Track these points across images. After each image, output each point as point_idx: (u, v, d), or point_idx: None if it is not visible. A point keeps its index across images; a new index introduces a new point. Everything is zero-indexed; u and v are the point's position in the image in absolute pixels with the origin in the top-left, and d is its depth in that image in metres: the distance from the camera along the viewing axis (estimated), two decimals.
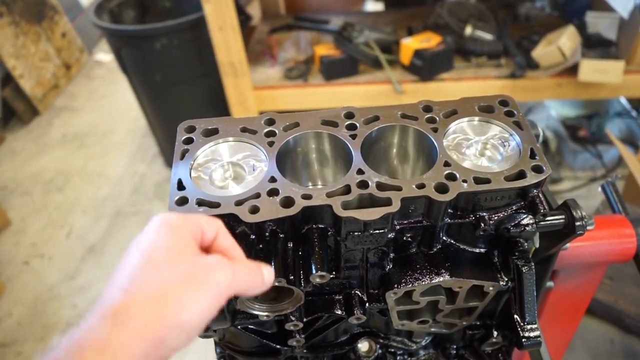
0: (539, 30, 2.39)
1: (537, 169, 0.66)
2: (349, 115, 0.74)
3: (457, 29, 2.36)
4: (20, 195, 2.98)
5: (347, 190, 0.65)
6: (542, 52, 2.16)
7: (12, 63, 3.39)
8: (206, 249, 0.55)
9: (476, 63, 2.31)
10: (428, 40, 2.26)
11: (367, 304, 0.75)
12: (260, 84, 2.35)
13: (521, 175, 0.66)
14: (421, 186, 0.64)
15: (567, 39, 2.11)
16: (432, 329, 0.82)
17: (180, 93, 2.59)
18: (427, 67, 2.21)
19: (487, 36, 2.35)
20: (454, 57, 2.30)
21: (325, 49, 2.36)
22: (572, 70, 2.15)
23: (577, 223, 0.71)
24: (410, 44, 2.25)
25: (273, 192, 0.64)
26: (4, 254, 2.61)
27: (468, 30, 2.36)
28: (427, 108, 0.75)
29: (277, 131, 0.72)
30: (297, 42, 2.62)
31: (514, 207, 0.69)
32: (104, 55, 4.27)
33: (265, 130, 0.72)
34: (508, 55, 2.33)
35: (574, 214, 0.71)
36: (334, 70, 2.32)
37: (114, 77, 3.88)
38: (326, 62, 2.30)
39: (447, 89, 2.26)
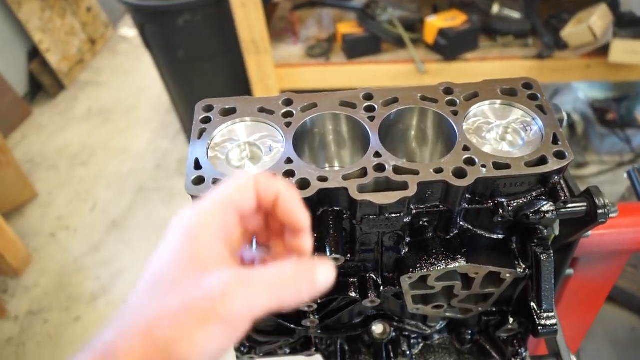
0: (569, 8, 2.32)
1: (560, 155, 0.64)
2: (368, 96, 0.73)
3: (483, 7, 2.30)
4: (47, 168, 3.04)
5: (363, 173, 0.64)
6: (572, 31, 2.10)
7: (38, 37, 3.43)
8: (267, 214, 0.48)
9: (502, 43, 2.26)
10: (453, 19, 2.21)
11: (381, 288, 0.75)
12: (282, 61, 2.34)
13: (542, 161, 0.64)
14: (439, 171, 0.63)
15: (598, 18, 2.04)
16: (447, 314, 0.81)
17: (202, 70, 2.59)
18: (451, 46, 2.17)
19: (515, 15, 2.29)
20: (479, 36, 2.25)
21: (348, 27, 2.33)
22: (603, 50, 2.09)
23: (600, 211, 0.69)
24: (434, 23, 2.21)
25: (289, 174, 0.64)
26: (31, 225, 2.68)
27: (495, 8, 2.29)
28: (448, 90, 0.73)
29: (294, 112, 0.71)
30: (319, 20, 2.59)
31: (534, 194, 0.67)
32: (129, 30, 4.28)
33: (283, 110, 0.72)
34: (536, 35, 2.26)
35: (597, 201, 0.69)
36: (357, 49, 2.29)
37: (138, 53, 3.90)
38: (349, 40, 2.28)
39: (471, 69, 2.22)
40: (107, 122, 3.38)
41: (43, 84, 3.60)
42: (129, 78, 3.81)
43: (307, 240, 0.49)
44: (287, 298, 0.41)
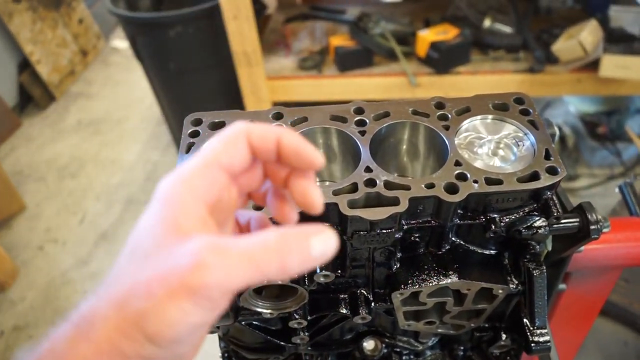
0: (560, 23, 2.34)
1: (552, 171, 0.64)
2: (359, 110, 0.72)
3: (475, 21, 2.32)
4: (35, 180, 3.01)
5: (354, 188, 0.63)
6: (563, 46, 2.11)
7: (29, 48, 3.41)
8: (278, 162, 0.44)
9: (494, 57, 2.27)
10: (445, 33, 2.22)
11: (372, 304, 0.74)
12: (274, 73, 2.34)
13: (535, 176, 0.64)
14: (430, 186, 0.62)
15: (588, 33, 2.06)
16: (439, 330, 0.80)
17: (194, 82, 2.59)
18: (443, 60, 2.18)
19: (506, 29, 2.31)
20: (471, 50, 2.26)
21: (341, 40, 2.34)
22: (593, 65, 2.10)
23: (592, 227, 0.69)
24: (426, 36, 2.22)
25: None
26: (19, 238, 2.64)
27: (487, 22, 2.31)
28: (440, 105, 0.73)
29: (284, 126, 0.71)
30: (312, 32, 2.60)
31: (527, 209, 0.66)
32: (121, 42, 4.28)
33: (274, 124, 0.71)
34: (527, 49, 2.28)
35: (589, 217, 0.69)
36: (349, 62, 2.30)
37: (129, 64, 3.89)
38: (341, 53, 2.28)
39: (463, 82, 2.23)
40: (98, 133, 3.36)
41: (33, 95, 3.57)
42: (120, 90, 3.79)
43: (313, 186, 0.45)
44: (269, 270, 0.35)
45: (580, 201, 0.70)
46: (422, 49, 2.25)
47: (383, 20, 2.31)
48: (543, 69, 2.18)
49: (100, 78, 3.92)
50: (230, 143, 0.40)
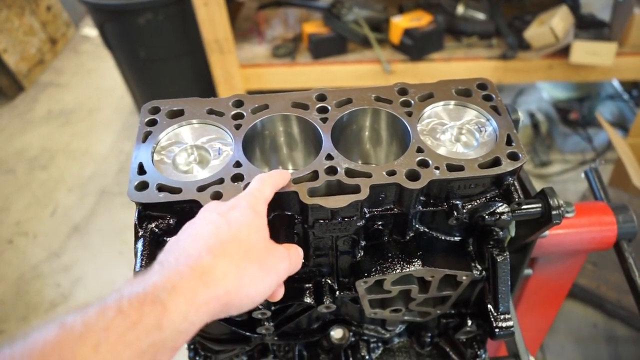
0: (532, 9, 2.35)
1: (513, 156, 0.64)
2: (321, 97, 0.71)
3: (449, 8, 2.32)
4: (4, 172, 2.93)
5: (314, 176, 0.62)
6: (534, 32, 2.12)
7: None
8: None
9: (467, 43, 2.27)
10: (419, 19, 2.22)
11: (337, 293, 0.73)
12: (247, 61, 2.31)
13: (496, 162, 0.63)
14: (392, 173, 0.62)
15: (559, 20, 2.07)
16: (406, 318, 0.80)
17: (165, 70, 2.54)
18: (417, 46, 2.17)
19: (479, 15, 2.31)
20: (444, 36, 2.26)
21: (314, 27, 2.31)
22: (564, 51, 2.12)
23: (554, 212, 0.69)
24: (400, 23, 2.21)
25: (237, 178, 0.62)
26: None
27: (460, 9, 2.31)
28: (403, 91, 0.72)
29: (245, 113, 0.69)
30: (285, 19, 2.57)
31: (489, 195, 0.66)
32: (91, 29, 4.17)
33: (233, 112, 0.69)
34: (500, 36, 2.29)
35: (551, 202, 0.69)
36: (323, 49, 2.28)
37: (101, 53, 3.79)
38: (314, 40, 2.26)
39: (436, 69, 2.23)
40: (68, 124, 3.28)
41: (0, 85, 3.47)
42: (92, 79, 3.70)
43: None
44: (295, 270, 0.58)
45: (553, 187, 0.70)
46: (395, 35, 2.23)
47: (356, 7, 2.29)
48: (515, 55, 2.19)
49: (71, 67, 3.82)
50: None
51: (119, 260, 2.38)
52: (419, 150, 0.64)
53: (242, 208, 0.54)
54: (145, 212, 0.61)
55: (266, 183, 0.58)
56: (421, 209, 0.66)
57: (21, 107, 3.45)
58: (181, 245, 0.50)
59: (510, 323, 0.72)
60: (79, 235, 2.53)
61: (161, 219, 0.61)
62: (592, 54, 2.07)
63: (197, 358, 0.85)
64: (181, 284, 0.45)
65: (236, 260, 0.49)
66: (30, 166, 2.96)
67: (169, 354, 0.44)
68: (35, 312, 2.20)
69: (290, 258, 0.56)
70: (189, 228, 0.53)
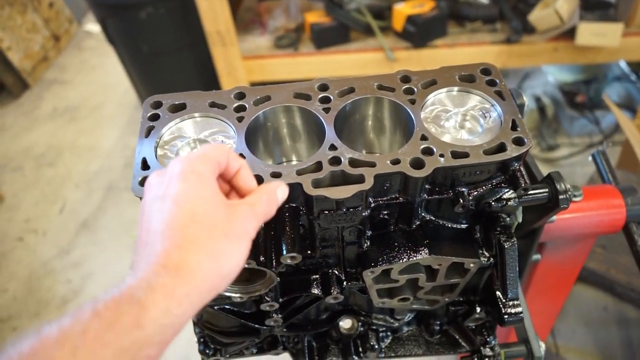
0: None
1: (518, 142, 0.63)
2: (323, 87, 0.71)
3: None
4: (12, 170, 2.95)
5: (318, 167, 0.62)
6: (539, 15, 2.10)
7: None
8: (227, 181, 0.57)
9: (471, 28, 2.25)
10: (421, 5, 2.19)
11: (345, 283, 0.73)
12: (250, 53, 2.30)
13: (501, 148, 0.63)
14: (396, 162, 0.61)
15: (564, 2, 2.04)
16: (414, 306, 0.80)
17: (168, 64, 2.53)
18: (420, 33, 2.15)
19: (482, 0, 2.28)
20: (447, 22, 2.23)
21: (316, 16, 2.29)
22: (570, 34, 2.09)
23: (561, 196, 0.68)
24: (402, 10, 2.18)
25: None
26: None
27: None
28: (405, 78, 0.71)
29: (247, 105, 0.69)
30: (287, 10, 2.55)
31: (495, 182, 0.66)
32: (94, 25, 4.16)
33: (235, 104, 0.69)
34: (504, 20, 2.26)
35: (558, 187, 0.68)
36: (325, 38, 2.26)
37: (104, 48, 3.78)
38: (317, 29, 2.24)
39: (440, 55, 2.20)
40: (74, 120, 3.29)
41: (5, 83, 3.48)
42: (96, 74, 3.71)
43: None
44: (269, 215, 0.55)
45: (560, 171, 0.69)
46: (398, 23, 2.21)
47: None
48: (520, 39, 2.16)
49: (75, 63, 3.83)
50: (233, 156, 0.56)
51: (128, 255, 2.40)
52: (423, 138, 0.64)
53: (180, 176, 0.50)
54: None
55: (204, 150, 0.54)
56: (427, 197, 0.65)
57: (27, 105, 3.46)
58: (143, 243, 0.49)
59: (519, 309, 0.72)
60: (87, 231, 2.55)
61: None
62: (598, 35, 2.04)
63: (207, 351, 0.85)
64: (157, 281, 0.44)
65: (204, 244, 0.47)
66: (38, 163, 2.98)
67: (157, 347, 0.44)
68: (47, 309, 2.22)
69: (255, 211, 0.53)
70: (143, 222, 0.51)
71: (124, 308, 0.42)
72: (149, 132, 0.67)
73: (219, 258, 0.48)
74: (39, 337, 0.40)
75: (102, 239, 2.50)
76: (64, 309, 2.21)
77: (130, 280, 0.44)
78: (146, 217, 0.50)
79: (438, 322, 0.87)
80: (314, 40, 2.28)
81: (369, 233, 0.70)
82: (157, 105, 0.70)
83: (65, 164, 2.96)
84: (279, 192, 0.57)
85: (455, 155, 0.62)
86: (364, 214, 0.63)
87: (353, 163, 0.62)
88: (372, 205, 0.64)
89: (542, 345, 0.83)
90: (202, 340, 0.86)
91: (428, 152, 0.62)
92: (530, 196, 0.68)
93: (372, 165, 0.61)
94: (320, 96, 0.69)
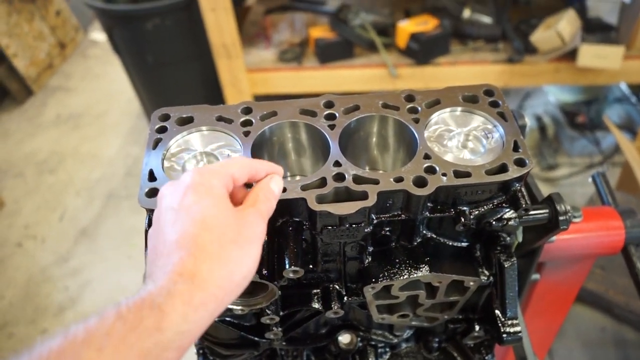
0: (539, 13, 2.35)
1: (520, 163, 0.64)
2: (329, 104, 0.72)
3: (455, 12, 2.32)
4: (14, 176, 2.96)
5: (322, 183, 0.63)
6: (541, 36, 2.12)
7: (4, 42, 3.34)
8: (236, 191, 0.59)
9: (473, 47, 2.27)
10: (425, 23, 2.22)
11: (345, 298, 0.73)
12: (254, 66, 2.32)
13: (503, 168, 0.64)
14: (399, 180, 0.62)
15: (566, 23, 2.07)
16: (413, 323, 0.80)
17: (173, 75, 2.55)
18: (423, 50, 2.18)
19: (486, 19, 2.31)
20: (450, 40, 2.26)
21: (321, 32, 2.32)
22: (571, 55, 2.12)
23: (561, 217, 0.69)
24: (406, 27, 2.21)
25: (246, 184, 0.62)
26: None
27: (466, 13, 2.31)
28: (410, 97, 0.73)
29: (253, 120, 0.70)
30: (292, 24, 2.58)
31: (496, 201, 0.67)
32: (100, 34, 4.20)
33: (242, 119, 0.70)
34: (506, 40, 2.29)
35: (558, 208, 0.69)
36: (329, 53, 2.29)
37: (109, 57, 3.82)
38: (321, 44, 2.27)
39: (443, 73, 2.23)
40: (77, 128, 3.31)
41: (10, 89, 3.50)
42: (100, 83, 3.74)
43: None
44: (272, 210, 0.57)
45: (560, 190, 0.70)
46: (402, 40, 2.24)
47: (363, 12, 2.30)
48: (522, 59, 2.18)
49: (79, 71, 3.86)
50: (241, 168, 0.57)
51: (128, 264, 2.40)
52: (426, 156, 0.65)
53: (190, 187, 0.52)
54: None
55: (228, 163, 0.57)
56: (428, 215, 0.66)
57: (30, 111, 3.48)
58: (159, 252, 0.50)
59: (517, 328, 0.72)
60: (87, 239, 2.55)
61: None
62: (600, 57, 2.07)
63: None
64: (175, 288, 0.46)
65: (214, 252, 0.49)
66: (39, 170, 2.99)
67: (176, 353, 0.46)
68: (44, 316, 2.22)
69: (259, 211, 0.55)
70: (158, 234, 0.52)
71: (145, 312, 0.44)
72: (156, 144, 0.68)
73: (229, 265, 0.50)
74: (66, 336, 0.42)
75: (101, 247, 2.50)
76: (61, 317, 2.20)
77: (151, 287, 0.46)
78: (160, 227, 0.52)
79: (437, 339, 0.88)
80: (318, 54, 2.31)
81: (371, 249, 0.70)
82: (165, 117, 0.71)
83: (66, 171, 2.97)
84: (272, 185, 0.58)
85: (458, 174, 0.63)
86: (366, 230, 0.64)
87: (357, 180, 0.62)
88: (375, 221, 0.65)
89: None
90: (201, 351, 0.86)
91: (431, 170, 0.63)
92: (531, 216, 0.69)
93: (376, 182, 0.62)
94: (325, 113, 0.70)
